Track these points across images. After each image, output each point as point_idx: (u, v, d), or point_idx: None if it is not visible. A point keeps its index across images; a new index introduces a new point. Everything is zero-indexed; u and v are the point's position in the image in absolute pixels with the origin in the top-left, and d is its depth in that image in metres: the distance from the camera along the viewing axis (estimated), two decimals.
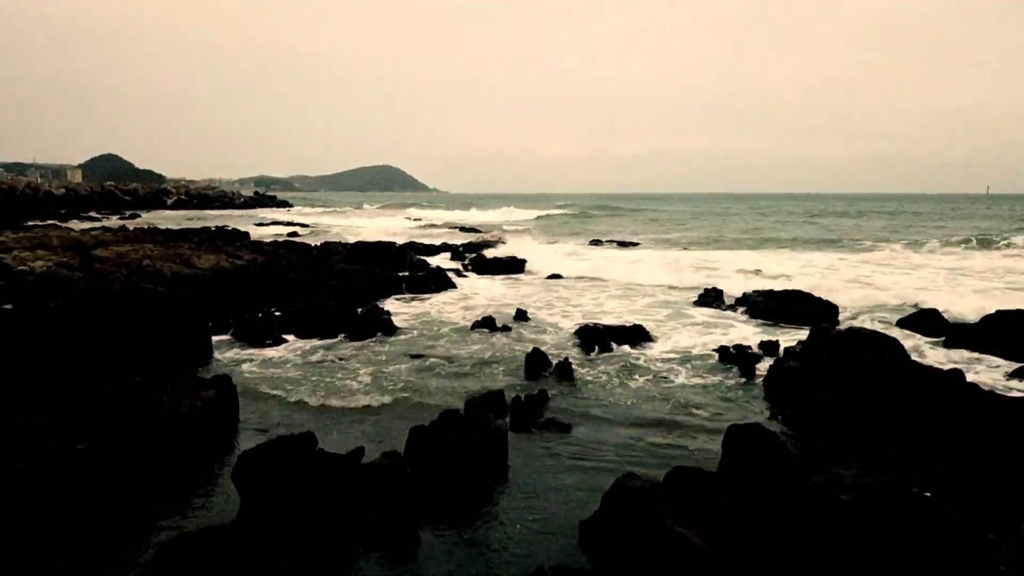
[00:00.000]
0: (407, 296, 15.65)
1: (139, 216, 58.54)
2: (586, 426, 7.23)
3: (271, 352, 10.43)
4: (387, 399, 7.88)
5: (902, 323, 12.39)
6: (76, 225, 43.38)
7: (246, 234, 32.81)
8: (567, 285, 18.27)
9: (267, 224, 47.60)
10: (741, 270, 20.98)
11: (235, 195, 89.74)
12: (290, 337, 11.38)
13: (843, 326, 12.93)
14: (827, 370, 8.33)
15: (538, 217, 61.00)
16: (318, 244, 26.37)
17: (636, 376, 9.02)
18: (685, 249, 30.45)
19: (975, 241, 32.28)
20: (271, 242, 26.79)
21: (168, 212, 70.66)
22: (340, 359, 9.90)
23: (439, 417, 6.67)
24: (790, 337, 11.46)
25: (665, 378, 9.01)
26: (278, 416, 7.35)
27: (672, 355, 10.22)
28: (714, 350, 10.32)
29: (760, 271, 20.74)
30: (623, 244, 33.27)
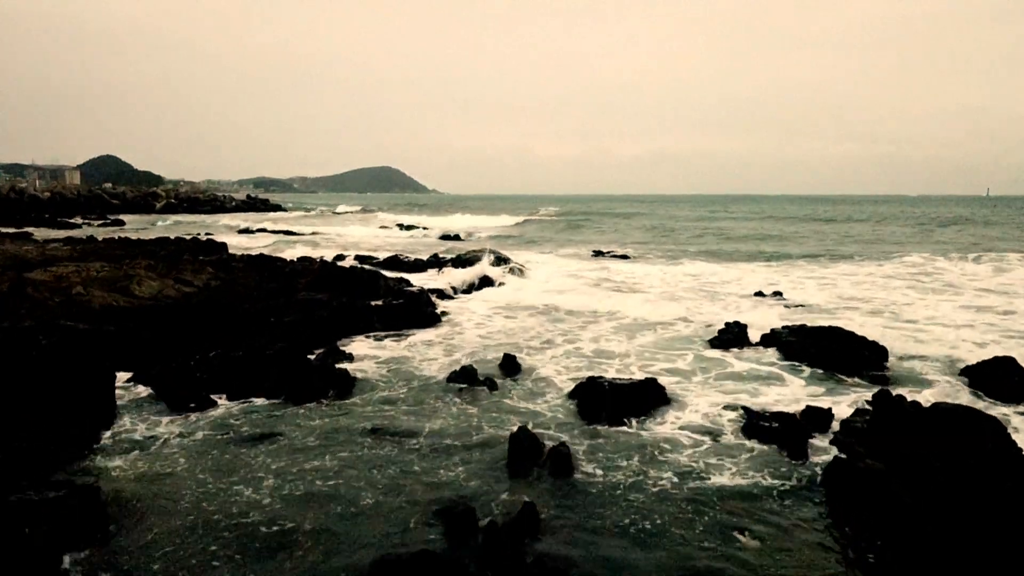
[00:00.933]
0: (380, 334, 13.39)
1: (123, 222, 56.40)
2: (591, 570, 5.04)
3: (183, 425, 8.18)
4: (305, 524, 5.60)
5: (970, 376, 10.19)
6: (48, 233, 41.25)
7: (223, 245, 30.67)
8: (568, 311, 16.07)
9: (252, 232, 45.38)
10: (759, 293, 18.79)
11: (226, 199, 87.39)
12: (221, 398, 9.17)
13: (892, 371, 10.82)
14: (918, 474, 6.15)
15: (527, 221, 58.63)
16: (293, 260, 24.23)
17: (656, 473, 6.79)
18: (694, 260, 28.23)
19: (1008, 250, 30.16)
20: (242, 256, 24.64)
21: (155, 217, 68.55)
22: (259, 438, 7.60)
23: None
24: (842, 397, 9.30)
25: (694, 474, 6.77)
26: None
27: (698, 432, 7.99)
28: (749, 421, 8.12)
29: (781, 293, 18.56)
30: (624, 257, 31.14)
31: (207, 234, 44.11)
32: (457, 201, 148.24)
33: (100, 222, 54.08)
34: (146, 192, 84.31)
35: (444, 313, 15.44)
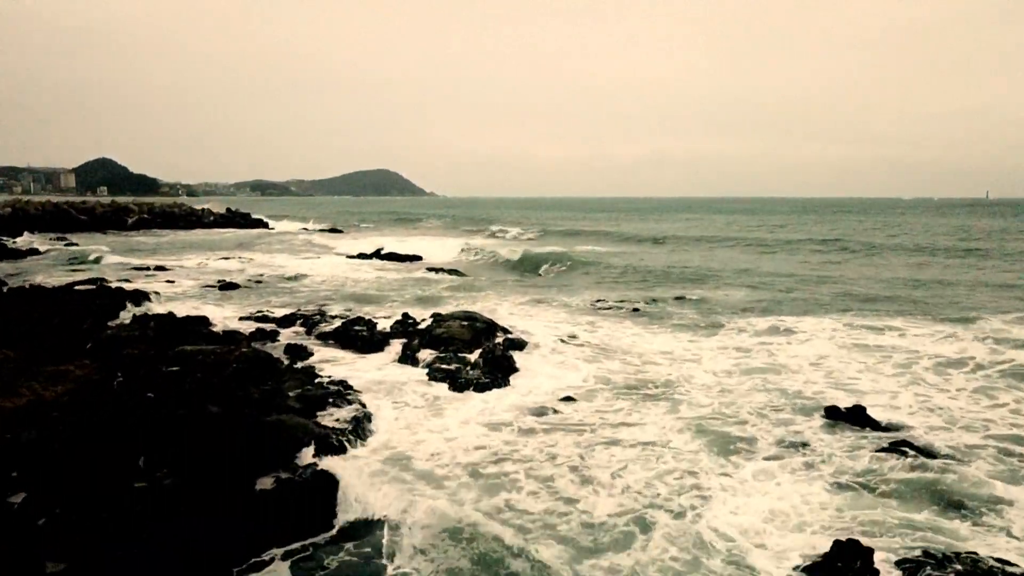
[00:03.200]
0: (268, 558, 8.00)
1: (75, 244, 51.03)
2: None
3: None
4: None
5: None
6: None
7: (145, 297, 25.24)
8: (572, 482, 10.71)
9: (206, 263, 39.91)
10: (832, 410, 13.35)
11: (204, 213, 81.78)
12: None
13: None
14: None
15: (502, 246, 52.74)
16: (220, 333, 18.87)
17: None
18: (728, 329, 22.07)
19: None
20: (157, 320, 19.21)
21: (123, 237, 63.27)
22: None
23: None
24: None
25: None
26: None
27: None
28: None
29: (863, 410, 13.16)
30: (636, 311, 25.78)
31: (158, 266, 38.83)
32: (460, 203, 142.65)
33: (48, 247, 48.73)
34: (117, 207, 78.86)
35: (358, 522, 9.87)
